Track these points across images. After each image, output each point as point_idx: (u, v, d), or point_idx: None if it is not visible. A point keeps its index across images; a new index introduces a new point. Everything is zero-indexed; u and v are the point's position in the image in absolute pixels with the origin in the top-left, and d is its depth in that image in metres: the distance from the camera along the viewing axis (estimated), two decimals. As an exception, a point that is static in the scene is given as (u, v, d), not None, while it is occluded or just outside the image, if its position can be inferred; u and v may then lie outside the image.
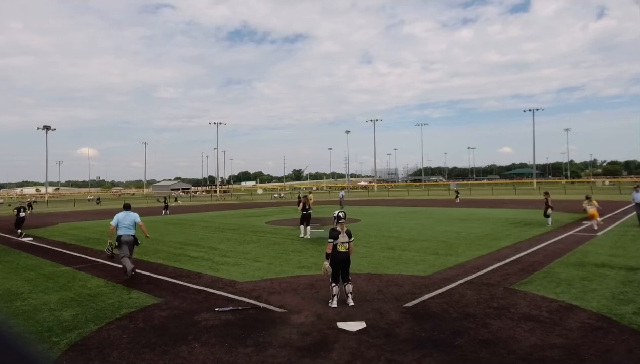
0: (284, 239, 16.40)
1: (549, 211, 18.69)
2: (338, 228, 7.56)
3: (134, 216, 10.16)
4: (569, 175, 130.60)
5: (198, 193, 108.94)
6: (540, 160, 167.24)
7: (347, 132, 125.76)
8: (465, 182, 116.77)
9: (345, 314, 6.90)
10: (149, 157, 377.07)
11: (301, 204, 17.57)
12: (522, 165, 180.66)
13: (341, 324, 6.39)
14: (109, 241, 10.16)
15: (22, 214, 20.00)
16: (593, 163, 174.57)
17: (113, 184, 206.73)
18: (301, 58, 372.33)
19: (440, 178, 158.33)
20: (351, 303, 7.36)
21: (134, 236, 10.06)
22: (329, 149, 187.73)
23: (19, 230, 19.74)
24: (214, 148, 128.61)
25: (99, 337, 6.13)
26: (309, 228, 16.77)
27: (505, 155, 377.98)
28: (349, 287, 7.50)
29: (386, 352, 5.36)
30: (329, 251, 7.43)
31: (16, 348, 0.77)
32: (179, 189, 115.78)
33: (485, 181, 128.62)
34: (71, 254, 14.17)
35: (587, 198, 18.10)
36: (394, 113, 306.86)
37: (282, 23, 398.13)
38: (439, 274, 9.70)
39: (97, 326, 6.57)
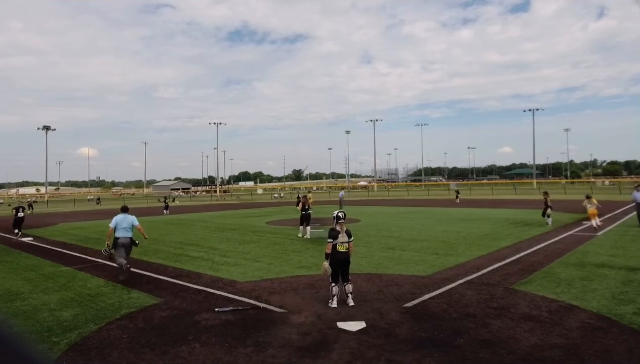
0: (284, 239, 16.40)
1: (549, 211, 18.72)
2: (337, 228, 7.56)
3: (132, 219, 10.21)
4: (569, 175, 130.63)
5: (198, 193, 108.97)
6: (540, 160, 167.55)
7: (347, 132, 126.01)
8: (465, 182, 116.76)
9: (345, 314, 6.90)
10: (149, 157, 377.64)
11: (300, 204, 17.58)
12: (522, 165, 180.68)
13: (341, 324, 6.39)
14: (106, 242, 10.19)
15: (20, 214, 19.86)
16: (593, 163, 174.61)
17: (113, 184, 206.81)
18: (301, 58, 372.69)
19: (440, 178, 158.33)
20: (351, 303, 7.36)
21: (131, 238, 10.11)
22: (329, 149, 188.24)
23: (16, 230, 19.62)
24: (214, 148, 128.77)
25: (99, 337, 6.13)
26: (308, 228, 16.77)
27: (505, 155, 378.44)
28: (349, 287, 7.50)
29: (386, 352, 5.36)
30: (328, 251, 7.44)
31: (16, 348, 0.77)
32: (179, 189, 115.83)
33: (485, 181, 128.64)
34: (71, 254, 14.17)
35: (587, 197, 18.31)
36: (394, 113, 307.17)
37: (282, 23, 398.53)
38: (439, 274, 9.70)
39: (97, 326, 6.57)
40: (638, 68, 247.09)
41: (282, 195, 77.72)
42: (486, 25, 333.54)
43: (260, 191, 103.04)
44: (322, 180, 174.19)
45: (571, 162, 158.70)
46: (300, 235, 16.84)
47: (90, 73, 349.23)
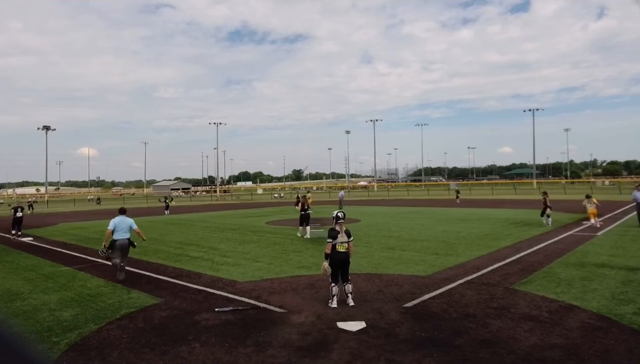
0: (284, 239, 16.41)
1: (548, 211, 18.76)
2: (337, 228, 7.56)
3: (130, 222, 10.29)
4: (569, 175, 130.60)
5: (198, 193, 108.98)
6: (540, 160, 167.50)
7: (347, 132, 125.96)
8: (465, 182, 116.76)
9: (345, 314, 6.90)
10: (149, 157, 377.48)
11: (300, 204, 17.59)
12: (522, 165, 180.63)
13: (341, 324, 6.39)
14: (103, 244, 10.23)
15: (19, 214, 19.62)
16: (593, 163, 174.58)
17: (113, 184, 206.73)
18: (301, 58, 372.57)
19: (440, 178, 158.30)
20: (351, 303, 7.36)
21: (129, 239, 10.17)
22: (329, 149, 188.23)
23: (13, 231, 19.40)
24: (214, 148, 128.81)
25: (99, 337, 6.13)
26: (308, 228, 16.77)
27: (505, 155, 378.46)
28: (349, 287, 7.51)
29: (386, 352, 5.36)
30: (328, 251, 7.44)
31: (16, 348, 0.77)
32: (179, 189, 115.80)
33: (485, 181, 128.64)
34: (71, 254, 14.17)
35: (587, 197, 18.54)
36: (394, 113, 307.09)
37: (282, 23, 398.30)
38: (439, 274, 9.70)
39: (97, 326, 6.57)
40: (638, 68, 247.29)
41: (282, 195, 77.72)
42: (486, 25, 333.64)
43: (260, 191, 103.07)
44: (322, 180, 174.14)
45: (571, 162, 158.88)
46: (300, 235, 16.84)
47: (90, 73, 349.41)
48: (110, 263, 10.22)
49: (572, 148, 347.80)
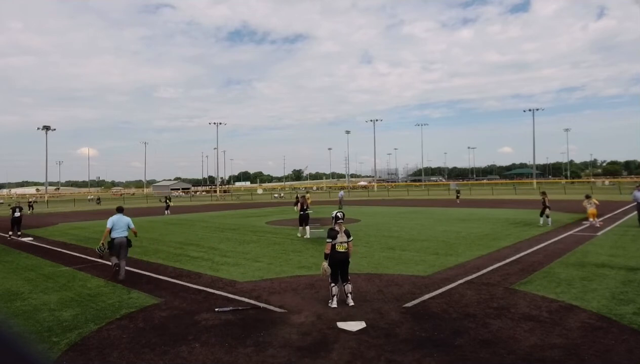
0: (284, 239, 16.41)
1: (547, 211, 18.77)
2: (336, 228, 7.56)
3: (128, 220, 10.34)
4: (569, 175, 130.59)
5: (198, 193, 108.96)
6: (540, 160, 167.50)
7: (347, 132, 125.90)
8: (465, 181, 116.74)
9: (345, 314, 6.90)
10: (149, 157, 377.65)
11: (299, 204, 17.59)
12: (522, 165, 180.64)
13: (341, 324, 6.39)
14: (101, 241, 10.25)
15: (17, 214, 19.41)
16: (593, 163, 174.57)
17: (113, 184, 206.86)
18: (301, 58, 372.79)
19: (440, 178, 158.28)
20: (351, 303, 7.36)
21: (127, 238, 10.20)
22: (329, 149, 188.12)
23: (10, 233, 19.24)
24: (214, 148, 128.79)
25: (99, 337, 6.13)
26: (308, 228, 16.78)
27: (505, 155, 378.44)
28: (348, 287, 7.51)
29: (386, 352, 5.36)
30: (327, 251, 7.44)
31: (16, 348, 0.77)
32: (179, 189, 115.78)
33: (485, 181, 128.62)
34: (71, 254, 14.17)
35: (587, 197, 18.62)
36: (394, 113, 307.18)
37: (282, 23, 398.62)
38: (439, 274, 9.70)
39: (97, 326, 6.57)
40: (638, 68, 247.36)
41: (282, 195, 77.70)
42: (486, 25, 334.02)
43: (260, 191, 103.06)
44: (322, 180, 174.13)
45: (571, 162, 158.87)
46: (300, 235, 16.84)
47: (90, 73, 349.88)
48: (110, 263, 10.23)
49: (572, 148, 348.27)
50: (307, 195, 20.60)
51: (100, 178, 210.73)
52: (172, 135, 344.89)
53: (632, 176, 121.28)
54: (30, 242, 17.71)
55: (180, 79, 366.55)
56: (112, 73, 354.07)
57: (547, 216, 18.70)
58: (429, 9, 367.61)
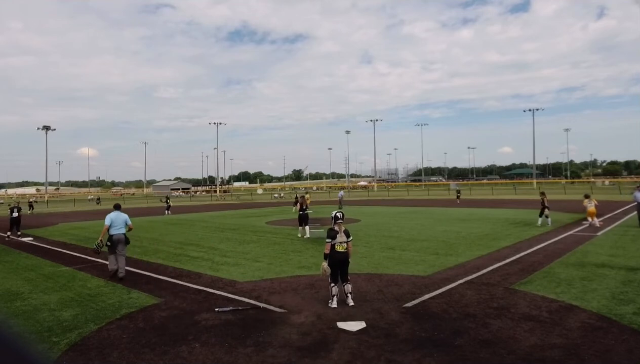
0: (284, 239, 16.41)
1: (546, 211, 18.78)
2: (336, 228, 7.56)
3: (125, 217, 10.41)
4: (569, 175, 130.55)
5: (198, 193, 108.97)
6: (540, 160, 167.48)
7: (347, 132, 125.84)
8: (465, 181, 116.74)
9: (345, 314, 6.90)
10: (149, 157, 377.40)
11: (298, 204, 17.59)
12: (522, 165, 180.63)
13: (341, 324, 6.39)
14: (99, 238, 10.26)
15: (15, 214, 19.26)
16: (593, 163, 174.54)
17: (113, 184, 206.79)
18: (301, 58, 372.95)
19: (440, 178, 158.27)
20: (351, 303, 7.36)
21: (124, 235, 10.27)
22: (329, 149, 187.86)
23: (8, 233, 19.14)
24: (214, 148, 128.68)
25: (99, 337, 6.13)
26: (307, 228, 16.78)
27: (505, 155, 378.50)
28: (348, 287, 7.50)
29: (386, 352, 5.36)
30: (326, 251, 7.44)
31: (16, 348, 0.77)
32: (179, 189, 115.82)
33: (485, 181, 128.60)
34: (71, 254, 14.17)
35: (587, 197, 18.67)
36: (394, 113, 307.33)
37: (282, 23, 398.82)
38: (439, 274, 9.70)
39: (97, 326, 6.57)
40: (638, 68, 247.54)
41: (282, 195, 77.69)
42: (486, 25, 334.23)
43: (260, 191, 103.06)
44: (322, 180, 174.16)
45: (571, 162, 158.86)
46: (299, 235, 16.85)
47: (90, 73, 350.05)
48: (108, 268, 10.28)
49: (572, 148, 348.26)
50: (307, 196, 20.61)
51: (100, 178, 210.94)
52: (172, 135, 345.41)
53: (632, 176, 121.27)
54: (30, 242, 17.71)
55: (180, 79, 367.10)
56: (112, 73, 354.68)
57: (547, 217, 18.70)
58: (429, 9, 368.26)
